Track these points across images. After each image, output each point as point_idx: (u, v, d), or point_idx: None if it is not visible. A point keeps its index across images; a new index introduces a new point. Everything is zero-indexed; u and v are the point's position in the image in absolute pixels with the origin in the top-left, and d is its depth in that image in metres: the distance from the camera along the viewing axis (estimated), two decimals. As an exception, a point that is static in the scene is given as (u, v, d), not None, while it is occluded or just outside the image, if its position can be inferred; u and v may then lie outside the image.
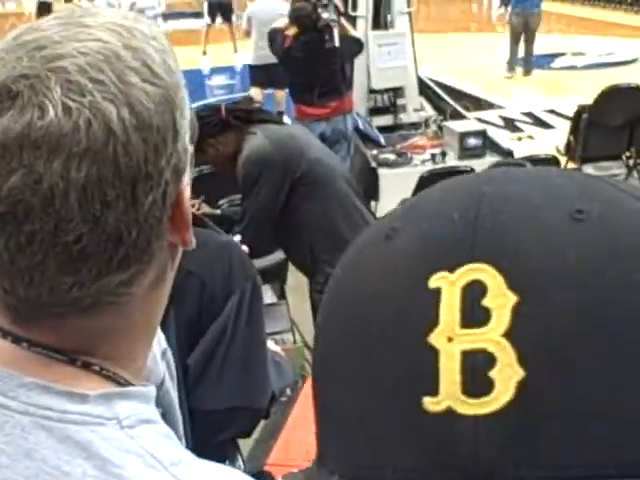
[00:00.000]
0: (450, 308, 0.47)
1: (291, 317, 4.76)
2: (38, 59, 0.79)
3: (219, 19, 15.33)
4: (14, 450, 0.80)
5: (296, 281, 4.89)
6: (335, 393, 0.51)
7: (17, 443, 0.81)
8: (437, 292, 0.47)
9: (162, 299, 0.94)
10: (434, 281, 0.47)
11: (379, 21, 8.67)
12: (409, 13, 8.80)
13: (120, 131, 0.78)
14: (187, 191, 0.88)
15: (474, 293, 0.46)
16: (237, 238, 3.09)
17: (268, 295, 4.75)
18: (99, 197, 0.78)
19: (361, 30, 8.26)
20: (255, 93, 10.32)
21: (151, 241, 0.84)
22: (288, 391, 2.78)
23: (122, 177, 0.79)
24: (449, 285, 0.47)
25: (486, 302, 0.46)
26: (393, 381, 0.48)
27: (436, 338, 0.46)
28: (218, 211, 4.72)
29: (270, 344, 2.21)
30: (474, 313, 0.46)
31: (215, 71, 14.29)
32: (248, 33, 10.85)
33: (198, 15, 16.17)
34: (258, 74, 10.22)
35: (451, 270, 0.47)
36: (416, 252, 0.49)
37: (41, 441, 0.80)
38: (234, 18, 14.82)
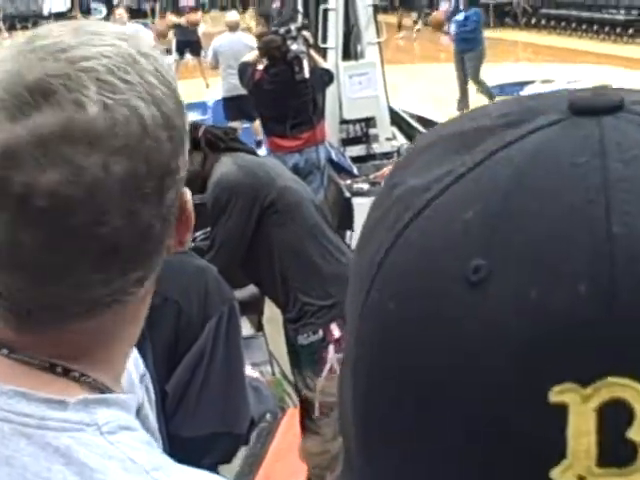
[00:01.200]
0: (582, 436, 0.35)
1: (269, 349, 4.73)
2: (63, 60, 0.80)
3: (188, 55, 15.45)
4: None
5: (272, 313, 4.87)
6: None
7: None
8: (562, 408, 0.35)
9: (149, 303, 0.95)
10: (558, 393, 0.35)
11: (349, 52, 8.74)
12: (379, 43, 8.87)
13: (152, 128, 0.81)
14: (188, 193, 0.91)
15: (616, 419, 0.35)
16: None
17: (246, 327, 4.73)
18: (136, 191, 0.80)
19: (331, 61, 8.32)
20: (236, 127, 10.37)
21: (165, 238, 0.86)
22: (268, 416, 2.75)
23: (154, 172, 0.81)
24: (580, 403, 0.35)
25: (633, 434, 0.35)
26: None
27: (564, 476, 0.35)
28: (192, 244, 4.69)
29: (248, 369, 2.19)
30: (616, 448, 0.35)
31: (187, 107, 14.32)
32: (215, 67, 10.93)
33: (167, 52, 16.23)
34: (230, 106, 10.26)
35: (582, 381, 0.35)
36: (523, 335, 0.36)
37: (21, 448, 0.80)
38: (203, 53, 14.90)
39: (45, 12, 26.24)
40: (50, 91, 0.78)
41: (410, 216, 0.41)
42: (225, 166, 3.78)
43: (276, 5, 14.74)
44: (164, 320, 1.95)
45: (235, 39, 10.78)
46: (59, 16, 25.84)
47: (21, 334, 0.85)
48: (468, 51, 13.05)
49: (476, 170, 0.40)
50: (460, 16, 13.08)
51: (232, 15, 11.92)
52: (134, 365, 1.06)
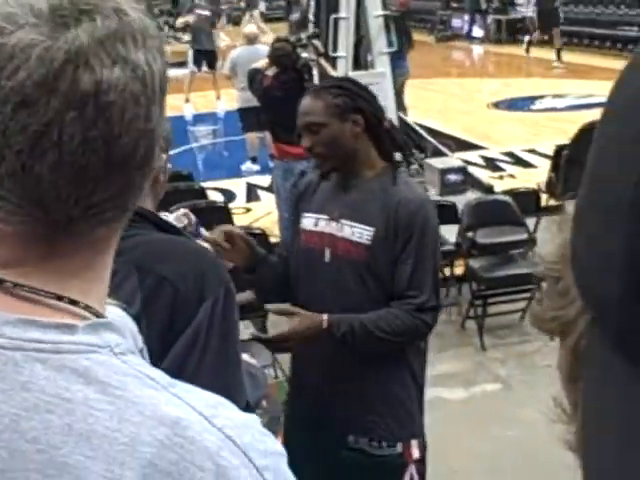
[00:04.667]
0: None
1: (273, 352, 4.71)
2: None
3: (204, 67, 15.37)
4: (9, 385, 0.80)
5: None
6: None
7: (12, 378, 0.80)
8: None
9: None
10: None
11: (359, 62, 8.72)
12: (389, 54, 8.84)
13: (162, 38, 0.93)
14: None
15: None
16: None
17: (250, 330, 4.72)
18: (164, 86, 0.87)
19: (341, 70, 8.32)
20: (251, 138, 10.34)
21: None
22: (264, 403, 2.73)
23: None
24: None
25: None
26: None
27: None
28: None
29: (245, 356, 2.17)
30: None
31: (198, 118, 14.36)
32: (229, 78, 10.94)
33: (182, 64, 16.17)
34: (246, 117, 10.21)
35: None
36: None
37: (37, 373, 0.80)
38: (218, 65, 14.86)
39: None
40: (86, 10, 0.82)
41: None
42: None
43: (294, 16, 14.76)
44: (160, 299, 1.94)
45: (253, 50, 10.79)
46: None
47: (44, 256, 0.84)
48: None
49: None
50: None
51: (250, 27, 11.96)
52: (132, 338, 1.05)
